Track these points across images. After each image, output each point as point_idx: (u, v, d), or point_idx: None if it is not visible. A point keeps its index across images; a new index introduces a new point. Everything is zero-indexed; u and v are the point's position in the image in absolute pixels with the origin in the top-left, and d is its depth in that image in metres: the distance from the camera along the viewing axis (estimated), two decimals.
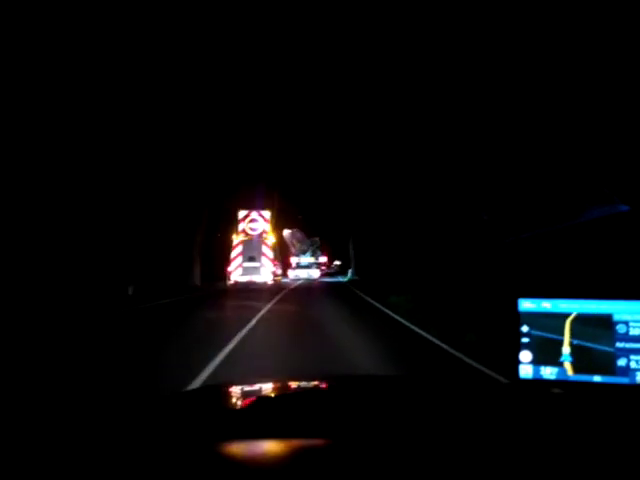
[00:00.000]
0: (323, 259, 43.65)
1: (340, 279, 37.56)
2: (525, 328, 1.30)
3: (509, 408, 1.28)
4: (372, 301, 15.25)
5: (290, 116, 21.72)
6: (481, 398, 1.44)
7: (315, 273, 37.89)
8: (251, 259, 19.04)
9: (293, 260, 38.92)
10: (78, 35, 12.81)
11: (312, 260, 39.36)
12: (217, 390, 1.64)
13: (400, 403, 1.33)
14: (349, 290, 21.66)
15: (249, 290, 18.38)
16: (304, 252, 39.34)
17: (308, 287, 24.34)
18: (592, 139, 8.51)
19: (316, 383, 1.80)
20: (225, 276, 22.22)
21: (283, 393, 1.63)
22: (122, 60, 14.51)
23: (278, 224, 25.38)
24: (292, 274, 36.94)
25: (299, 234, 39.90)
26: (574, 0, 7.97)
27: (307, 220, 37.37)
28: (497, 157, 11.73)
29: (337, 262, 54.38)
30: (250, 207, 20.13)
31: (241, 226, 19.58)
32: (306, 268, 38.18)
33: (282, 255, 31.74)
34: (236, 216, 20.05)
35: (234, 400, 1.53)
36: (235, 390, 1.61)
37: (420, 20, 11.71)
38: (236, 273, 19.09)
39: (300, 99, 19.94)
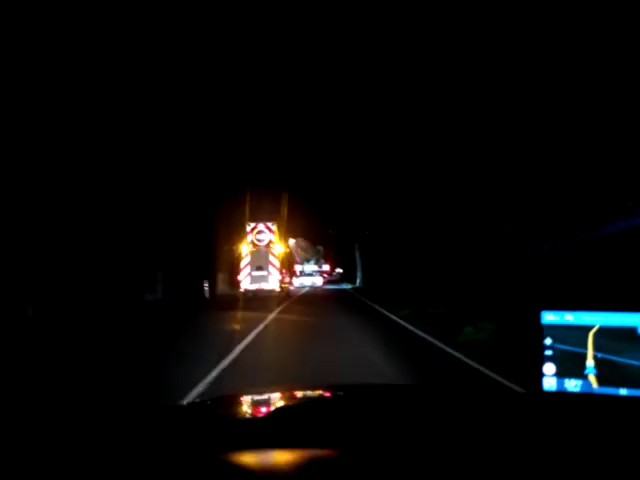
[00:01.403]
0: (326, 267, 45.45)
1: (344, 287, 37.39)
2: (548, 340, 1.30)
3: (528, 419, 1.27)
4: (432, 339, 9.37)
5: (296, 120, 21.71)
6: (493, 409, 1.43)
7: (319, 281, 39.58)
8: (259, 268, 20.19)
9: (298, 268, 39.94)
10: (79, 35, 11.95)
11: (316, 268, 40.93)
12: (227, 400, 1.66)
13: (411, 413, 1.32)
14: (374, 310, 16.85)
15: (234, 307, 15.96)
16: (308, 260, 40.70)
17: (314, 301, 22.61)
18: (614, 152, 8.43)
19: (324, 393, 1.79)
20: (198, 292, 21.93)
21: (292, 403, 1.64)
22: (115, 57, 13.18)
23: (287, 232, 25.66)
24: (297, 282, 37.90)
25: (303, 243, 41.02)
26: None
27: (311, 228, 38.14)
28: (519, 169, 11.64)
29: (339, 270, 55.42)
30: (257, 219, 21.06)
31: (249, 237, 20.61)
32: (310, 276, 39.79)
33: (289, 263, 32.61)
34: (244, 228, 20.95)
35: (244, 410, 1.55)
36: (245, 400, 1.62)
37: (439, 23, 11.61)
38: (245, 281, 20.27)
39: (309, 103, 20.02)
